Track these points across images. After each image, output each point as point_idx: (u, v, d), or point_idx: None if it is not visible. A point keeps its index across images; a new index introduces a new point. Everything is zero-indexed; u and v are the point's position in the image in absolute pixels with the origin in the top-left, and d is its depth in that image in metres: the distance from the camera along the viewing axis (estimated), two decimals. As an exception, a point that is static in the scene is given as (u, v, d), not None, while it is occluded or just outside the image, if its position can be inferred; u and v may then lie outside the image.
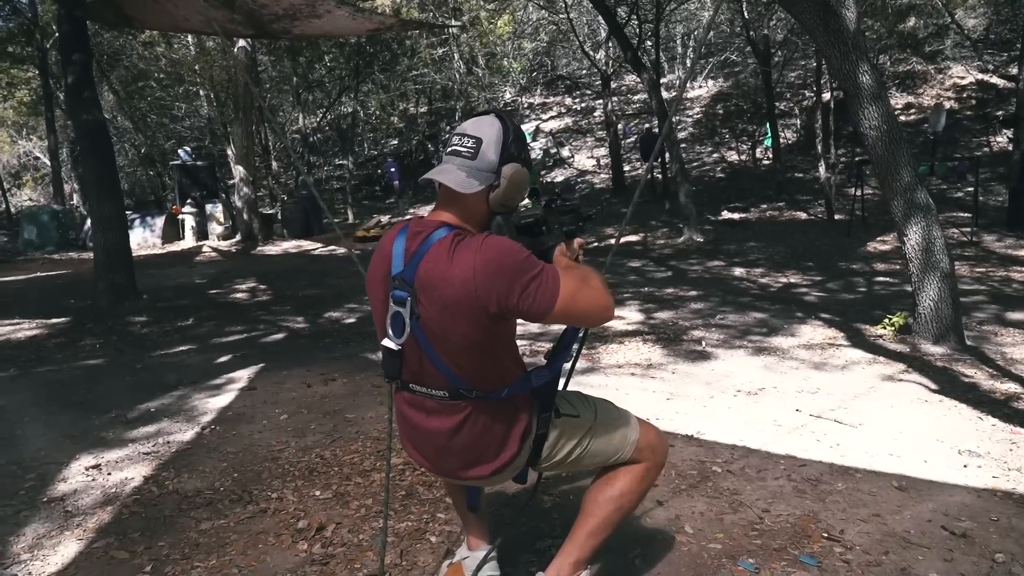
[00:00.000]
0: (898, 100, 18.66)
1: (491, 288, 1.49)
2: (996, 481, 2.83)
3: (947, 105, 16.83)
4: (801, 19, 5.25)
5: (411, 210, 19.88)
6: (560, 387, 1.90)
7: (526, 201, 1.83)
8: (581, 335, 2.03)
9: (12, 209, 20.41)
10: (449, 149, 1.66)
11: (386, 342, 1.64)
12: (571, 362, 2.06)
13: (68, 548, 2.56)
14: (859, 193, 11.84)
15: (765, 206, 15.06)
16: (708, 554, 2.33)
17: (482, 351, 1.60)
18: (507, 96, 25.70)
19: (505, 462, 1.73)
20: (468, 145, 1.62)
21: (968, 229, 10.77)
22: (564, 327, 1.85)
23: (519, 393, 1.70)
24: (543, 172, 19.78)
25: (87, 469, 3.30)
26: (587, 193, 18.14)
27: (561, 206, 1.95)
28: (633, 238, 13.15)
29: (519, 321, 1.63)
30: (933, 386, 4.12)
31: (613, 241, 2.09)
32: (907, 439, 3.32)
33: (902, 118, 17.95)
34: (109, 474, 3.24)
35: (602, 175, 19.43)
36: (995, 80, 17.84)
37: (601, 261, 2.20)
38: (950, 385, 4.13)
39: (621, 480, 1.85)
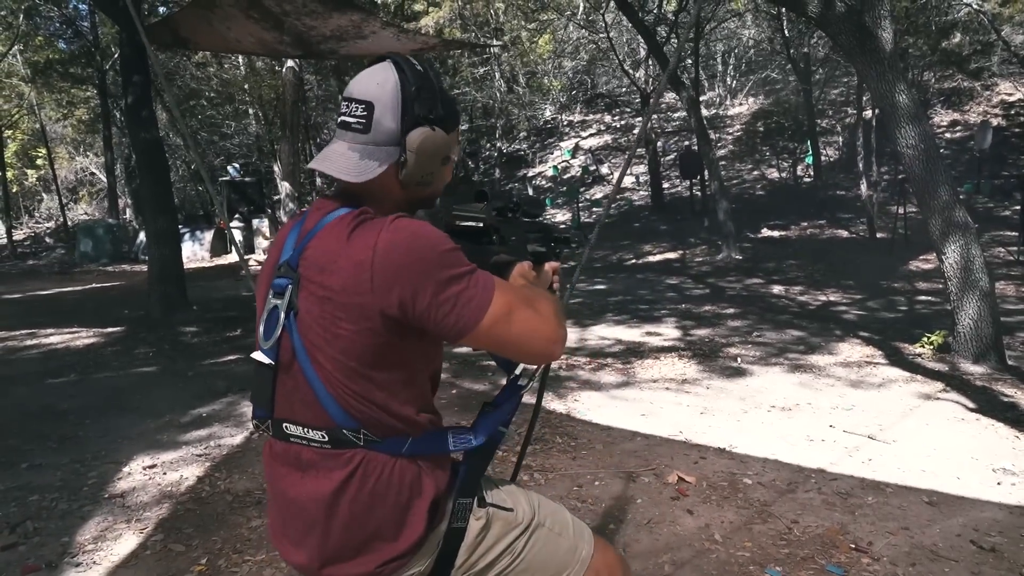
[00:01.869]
0: (943, 117, 18.36)
1: (393, 280, 1.09)
2: (1030, 499, 2.84)
3: (994, 122, 16.49)
4: (838, 40, 5.30)
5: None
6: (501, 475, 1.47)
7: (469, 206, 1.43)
8: (539, 382, 1.57)
9: (69, 223, 21.26)
10: (339, 121, 1.23)
11: (256, 354, 1.22)
12: (528, 427, 1.65)
13: (129, 541, 2.74)
14: (902, 211, 11.68)
15: (805, 224, 14.91)
16: (736, 561, 2.40)
17: (372, 368, 1.14)
18: (547, 114, 25.94)
19: (402, 551, 1.18)
20: (357, 113, 1.19)
21: (1015, 248, 10.54)
22: (504, 379, 1.39)
23: (428, 455, 1.22)
24: (582, 189, 19.90)
25: (144, 469, 3.50)
26: (626, 210, 18.19)
27: (524, 220, 1.53)
28: (671, 255, 13.16)
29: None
30: (971, 405, 4.10)
31: (574, 263, 1.68)
32: (941, 456, 3.33)
33: (947, 135, 17.66)
34: (165, 474, 3.43)
35: (641, 192, 19.46)
36: (1045, 97, 17.43)
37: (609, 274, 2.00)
38: (988, 404, 4.10)
39: None
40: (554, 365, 5.25)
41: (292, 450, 1.20)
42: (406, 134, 1.18)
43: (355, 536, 1.17)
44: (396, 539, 1.17)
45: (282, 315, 1.16)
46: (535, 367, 1.48)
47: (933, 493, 2.90)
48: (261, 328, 1.21)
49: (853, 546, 2.46)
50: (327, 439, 1.16)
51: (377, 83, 1.18)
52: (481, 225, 1.40)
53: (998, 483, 3.01)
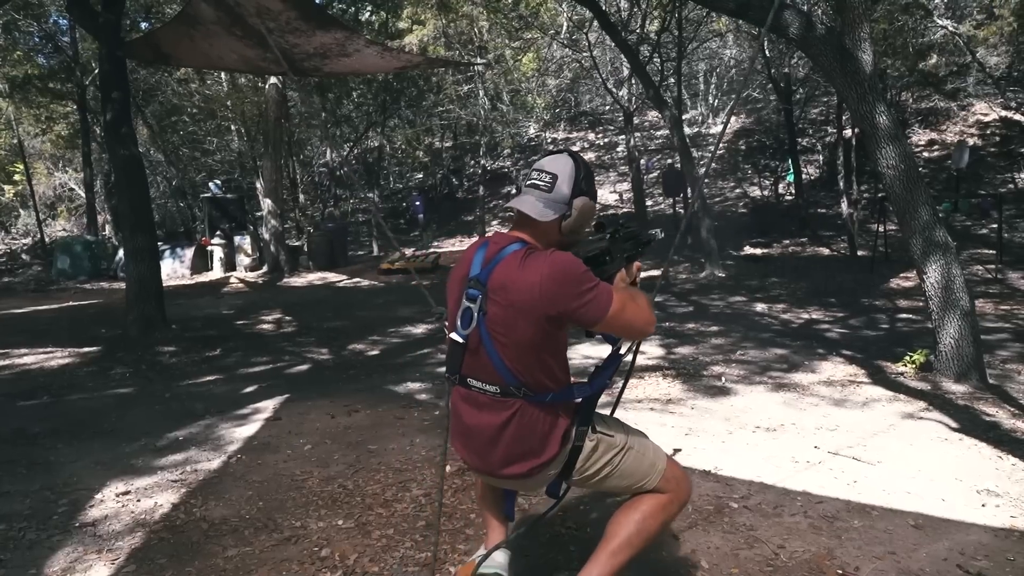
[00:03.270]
0: (921, 136, 18.65)
1: (554, 294, 1.73)
2: (1015, 521, 2.82)
3: (970, 142, 16.78)
4: (819, 62, 5.35)
5: (435, 243, 20.10)
6: (607, 412, 2.15)
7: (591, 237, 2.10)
8: (632, 354, 2.36)
9: (47, 239, 20.96)
10: (528, 182, 1.92)
11: (453, 335, 1.87)
12: (623, 380, 2.46)
13: (99, 572, 2.65)
14: (882, 229, 11.81)
15: (788, 241, 15.05)
16: (722, 589, 2.36)
17: (536, 351, 1.80)
18: (531, 131, 26.06)
19: (544, 461, 1.87)
20: (545, 180, 1.88)
21: (992, 266, 10.67)
22: (608, 351, 2.06)
23: (562, 401, 1.89)
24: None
25: (118, 495, 3.40)
26: (681, 224, 18.28)
27: (624, 234, 2.14)
28: (655, 273, 13.18)
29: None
30: (953, 424, 4.10)
31: (658, 273, 2.31)
32: (925, 477, 3.32)
33: (925, 155, 17.93)
34: (139, 500, 3.34)
35: (624, 209, 19.55)
36: (1018, 117, 17.77)
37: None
38: (971, 423, 4.11)
39: (645, 504, 1.97)
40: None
41: (472, 395, 1.89)
42: (573, 199, 1.89)
43: (514, 452, 1.87)
44: (540, 455, 1.88)
45: (475, 314, 1.82)
46: (629, 343, 2.29)
47: (919, 516, 2.88)
48: (459, 320, 1.86)
49: (840, 572, 2.43)
50: (499, 391, 1.84)
51: (562, 164, 1.91)
52: (598, 252, 2.05)
53: (982, 505, 3.00)
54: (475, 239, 2.26)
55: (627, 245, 2.14)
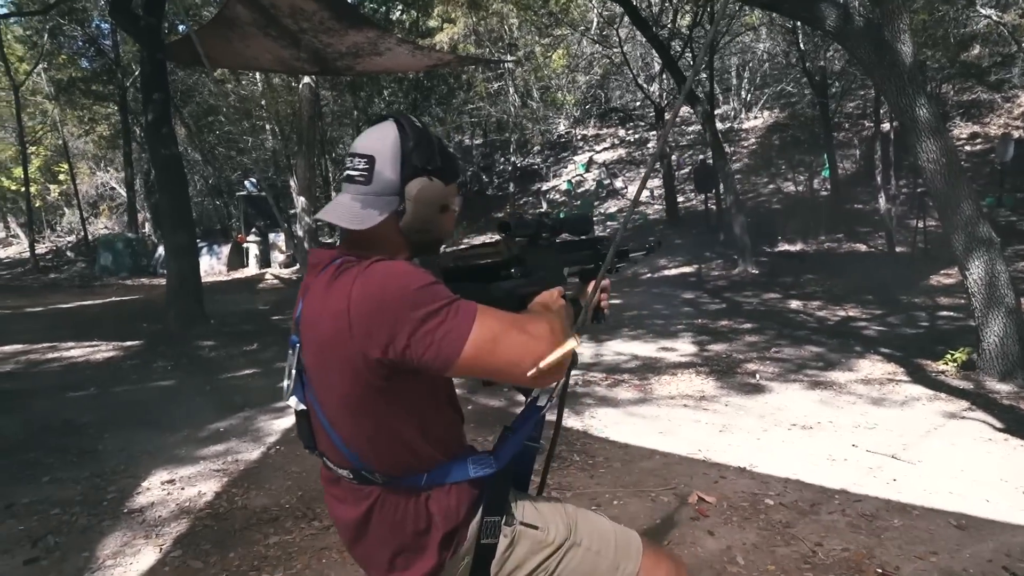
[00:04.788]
0: (963, 130, 18.20)
1: (370, 326, 1.12)
2: (1062, 522, 2.77)
3: (1015, 134, 16.32)
4: (856, 54, 5.27)
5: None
6: (532, 485, 1.48)
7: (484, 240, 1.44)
8: (558, 398, 1.54)
9: (90, 237, 21.53)
10: (343, 174, 1.31)
11: (290, 399, 1.31)
12: (551, 443, 1.63)
13: (148, 557, 2.74)
14: (921, 225, 11.56)
15: (823, 238, 14.80)
16: (759, 585, 2.35)
17: (368, 417, 1.20)
18: (561, 128, 26.01)
19: (426, 572, 1.26)
20: (360, 167, 1.27)
21: (1038, 263, 10.38)
22: (526, 399, 1.43)
23: (442, 484, 1.27)
24: (596, 203, 19.89)
25: (163, 483, 3.51)
26: (641, 224, 18.16)
27: (567, 242, 1.55)
28: (687, 269, 13.10)
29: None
30: (998, 424, 4.02)
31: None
32: (968, 477, 3.26)
33: (967, 148, 17.49)
34: (183, 489, 3.43)
35: (656, 206, 19.42)
36: (1067, 109, 17.24)
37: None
38: (1016, 424, 4.02)
39: None
40: (570, 380, 5.22)
41: (333, 477, 1.32)
42: (405, 184, 1.26)
43: (384, 556, 1.28)
44: (416, 564, 1.26)
45: (294, 371, 1.28)
46: (555, 385, 1.44)
47: (962, 516, 2.84)
48: (285, 381, 1.31)
49: (880, 571, 2.41)
50: (352, 477, 1.26)
51: (377, 138, 1.28)
52: (498, 260, 1.41)
53: (1028, 505, 2.94)
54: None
55: (573, 256, 1.54)
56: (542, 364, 1.16)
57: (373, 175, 1.26)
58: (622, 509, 3.00)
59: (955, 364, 5.23)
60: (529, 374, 1.17)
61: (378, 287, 1.13)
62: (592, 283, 1.49)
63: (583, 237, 1.59)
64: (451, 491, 1.27)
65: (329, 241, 18.24)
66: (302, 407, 1.29)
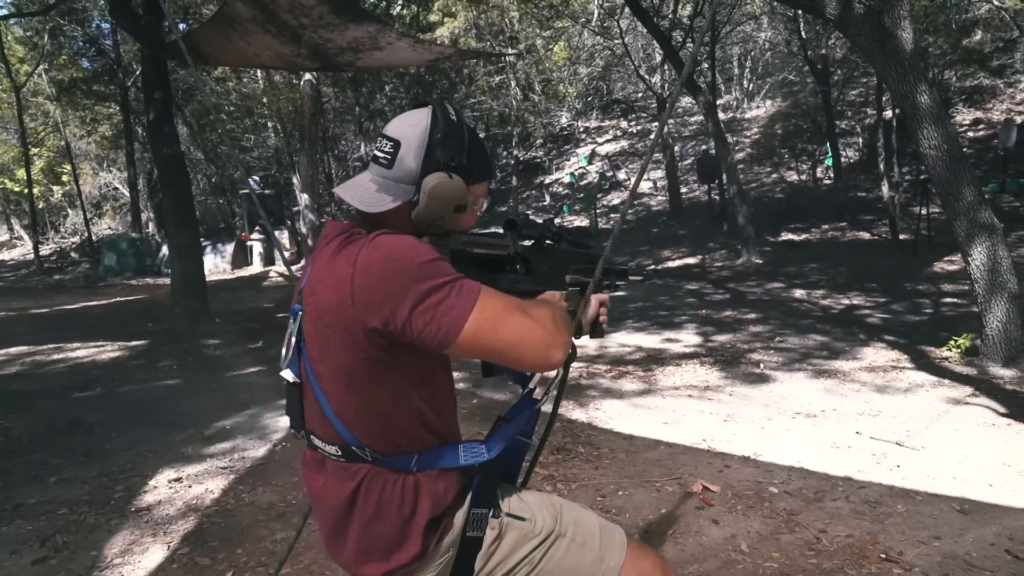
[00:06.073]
0: (966, 116, 18.11)
1: (372, 295, 1.11)
2: (1066, 506, 2.77)
3: (1018, 120, 16.24)
4: (857, 42, 5.25)
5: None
6: (516, 478, 1.44)
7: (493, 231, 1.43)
8: (555, 393, 1.56)
9: (94, 238, 21.60)
10: (372, 153, 1.31)
11: (284, 372, 1.29)
12: (543, 433, 1.61)
13: (156, 554, 2.76)
14: (925, 212, 11.52)
15: (826, 226, 14.76)
16: (764, 572, 2.37)
17: (363, 387, 1.19)
18: (563, 120, 25.96)
19: (402, 563, 1.23)
20: (385, 149, 1.26)
21: (1043, 248, 10.34)
22: (523, 390, 1.44)
23: (432, 469, 1.25)
24: (599, 196, 19.87)
25: (170, 482, 3.53)
26: (644, 215, 18.14)
27: (569, 251, 1.55)
28: (691, 260, 13.08)
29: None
30: (1001, 409, 4.02)
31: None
32: (972, 463, 3.26)
33: (970, 134, 17.40)
34: (190, 486, 3.46)
35: (659, 197, 19.40)
36: (1071, 93, 17.14)
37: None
38: (1020, 409, 4.02)
39: None
40: (574, 373, 5.23)
41: (318, 458, 1.28)
42: (424, 176, 1.23)
43: (366, 542, 1.23)
44: (399, 550, 1.22)
45: (293, 339, 1.25)
46: (552, 378, 1.52)
47: (965, 501, 2.84)
48: (283, 349, 1.29)
49: (883, 556, 2.42)
50: (340, 453, 1.23)
51: (409, 124, 1.26)
52: (503, 254, 1.39)
53: (1032, 490, 2.94)
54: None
55: (580, 267, 1.54)
56: (549, 349, 1.19)
57: (395, 160, 1.25)
58: (627, 499, 3.01)
59: (958, 350, 5.22)
60: (535, 357, 1.19)
61: (383, 258, 1.12)
62: (596, 298, 1.51)
63: (584, 250, 1.59)
64: (440, 476, 1.25)
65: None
66: (295, 379, 1.27)
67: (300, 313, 1.24)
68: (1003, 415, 3.93)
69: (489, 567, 1.29)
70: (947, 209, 5.09)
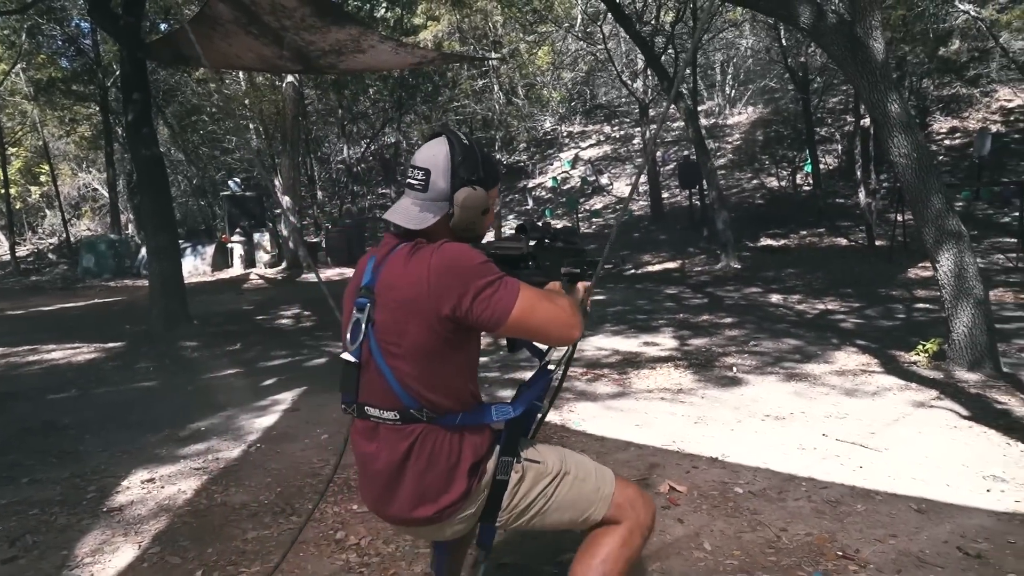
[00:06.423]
0: (943, 124, 18.41)
1: (444, 288, 1.47)
2: (1018, 505, 2.86)
3: (994, 128, 16.54)
4: (829, 51, 5.36)
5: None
6: (529, 433, 1.79)
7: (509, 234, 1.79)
8: (561, 371, 1.95)
9: (72, 239, 21.38)
10: (406, 182, 1.65)
11: (345, 354, 1.61)
12: (546, 403, 1.94)
13: (126, 554, 2.77)
14: (900, 219, 11.71)
15: (805, 232, 14.95)
16: (724, 569, 2.42)
17: (432, 360, 1.52)
18: (547, 125, 26.07)
19: (453, 500, 1.57)
20: (419, 178, 1.60)
21: (1014, 255, 10.56)
22: (536, 365, 1.79)
23: (473, 425, 1.60)
24: (582, 200, 19.97)
25: (143, 483, 3.53)
26: (625, 220, 18.25)
27: (557, 247, 1.88)
28: (671, 265, 13.20)
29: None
30: (964, 412, 4.12)
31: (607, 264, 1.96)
32: (932, 464, 3.35)
33: (947, 142, 17.69)
34: (163, 487, 3.47)
35: (641, 202, 19.53)
36: (1044, 103, 17.47)
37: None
38: (982, 411, 4.12)
39: (602, 545, 1.68)
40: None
41: (370, 427, 1.60)
42: (454, 192, 1.57)
43: (419, 489, 1.56)
44: (448, 491, 1.56)
45: (363, 326, 1.57)
46: (562, 354, 1.94)
47: (922, 500, 2.92)
48: (348, 335, 1.60)
49: (840, 553, 2.49)
50: (398, 417, 1.55)
51: (432, 154, 1.59)
52: (516, 254, 1.77)
53: (987, 490, 3.03)
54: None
55: (569, 260, 1.89)
56: (570, 328, 1.59)
57: (429, 185, 1.58)
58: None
59: (926, 355, 5.33)
60: (560, 335, 1.58)
61: (451, 260, 1.49)
62: (580, 284, 1.89)
63: (574, 247, 1.92)
64: (478, 431, 1.60)
65: (315, 240, 18.21)
66: (354, 360, 1.58)
67: (368, 305, 1.56)
68: (965, 418, 4.03)
69: (515, 502, 1.65)
70: (916, 216, 5.21)
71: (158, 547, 2.80)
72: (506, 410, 1.63)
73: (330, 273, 15.23)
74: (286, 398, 5.09)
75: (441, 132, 1.64)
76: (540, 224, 1.86)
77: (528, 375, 1.82)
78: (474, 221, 1.61)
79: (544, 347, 1.79)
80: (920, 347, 5.42)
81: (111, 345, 7.49)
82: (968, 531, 2.63)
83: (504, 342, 1.85)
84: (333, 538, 2.79)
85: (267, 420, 4.55)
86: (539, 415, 1.85)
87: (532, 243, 1.83)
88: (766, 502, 2.96)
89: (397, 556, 2.62)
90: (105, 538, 2.91)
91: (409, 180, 1.62)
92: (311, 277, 14.80)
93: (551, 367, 1.77)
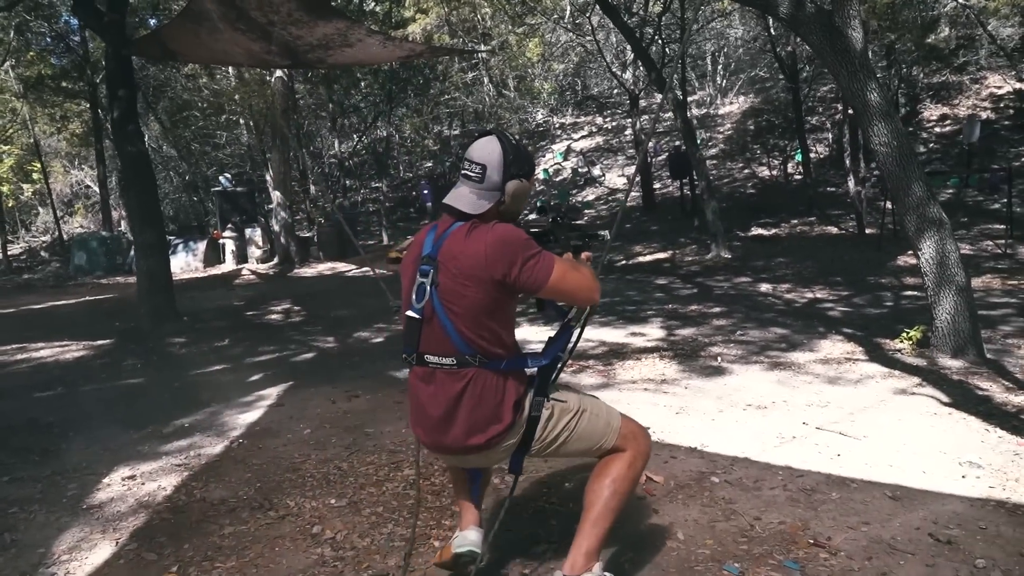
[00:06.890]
0: (932, 111, 18.42)
1: (498, 259, 1.85)
2: (992, 491, 2.87)
3: (983, 115, 16.55)
4: (809, 40, 5.35)
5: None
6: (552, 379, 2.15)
7: (533, 216, 2.20)
8: (579, 329, 2.33)
9: (64, 236, 21.31)
10: (461, 173, 2.00)
11: (409, 312, 1.97)
12: (565, 353, 2.29)
13: (103, 550, 2.78)
14: (890, 206, 11.71)
15: (795, 221, 14.96)
16: (696, 558, 2.44)
17: (486, 317, 1.90)
18: (538, 117, 26.02)
19: (502, 429, 1.96)
20: (476, 171, 1.95)
21: (1002, 241, 10.58)
22: (559, 326, 2.17)
23: (515, 369, 1.99)
24: (574, 191, 19.95)
25: (123, 479, 3.54)
26: (617, 210, 18.23)
27: (566, 223, 2.33)
28: (661, 255, 13.20)
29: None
30: (945, 399, 4.14)
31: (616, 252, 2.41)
32: (909, 451, 3.36)
33: (937, 130, 17.71)
34: (143, 484, 3.47)
35: (633, 193, 19.52)
36: (1034, 89, 17.47)
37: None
38: (962, 398, 4.14)
39: (613, 468, 2.09)
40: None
41: (428, 371, 1.98)
42: (505, 184, 1.96)
43: (470, 422, 1.95)
44: (496, 423, 1.96)
45: (428, 288, 1.93)
46: (581, 314, 2.29)
47: (897, 487, 2.94)
48: (413, 296, 1.96)
49: (812, 541, 2.50)
50: (455, 363, 1.93)
51: (488, 151, 1.96)
52: (541, 231, 2.23)
53: (963, 476, 3.04)
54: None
55: (572, 235, 2.34)
56: (593, 292, 2.03)
57: (485, 177, 1.95)
58: (572, 492, 3.06)
59: (910, 342, 5.35)
60: (585, 297, 2.02)
61: (504, 238, 1.88)
62: (584, 253, 2.30)
63: (574, 222, 2.38)
64: (518, 375, 2.01)
65: (307, 235, 18.16)
66: (417, 316, 1.95)
67: (431, 271, 1.92)
68: (946, 404, 4.05)
69: (545, 434, 2.05)
70: (897, 204, 5.23)
71: (135, 544, 2.81)
72: (538, 359, 2.03)
73: (322, 268, 15.22)
74: (271, 393, 5.09)
75: (491, 132, 2.01)
76: (553, 205, 2.26)
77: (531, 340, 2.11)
78: (519, 206, 2.04)
79: (566, 308, 2.20)
80: (904, 334, 5.44)
81: (99, 342, 7.47)
82: (941, 517, 2.64)
83: (533, 303, 2.29)
84: (309, 532, 2.80)
85: (251, 416, 4.55)
86: (560, 365, 2.20)
87: (549, 220, 2.29)
88: (741, 491, 2.97)
89: (372, 550, 2.62)
90: (83, 535, 2.92)
91: (466, 172, 1.98)
92: (304, 272, 14.78)
93: (573, 324, 2.18)
